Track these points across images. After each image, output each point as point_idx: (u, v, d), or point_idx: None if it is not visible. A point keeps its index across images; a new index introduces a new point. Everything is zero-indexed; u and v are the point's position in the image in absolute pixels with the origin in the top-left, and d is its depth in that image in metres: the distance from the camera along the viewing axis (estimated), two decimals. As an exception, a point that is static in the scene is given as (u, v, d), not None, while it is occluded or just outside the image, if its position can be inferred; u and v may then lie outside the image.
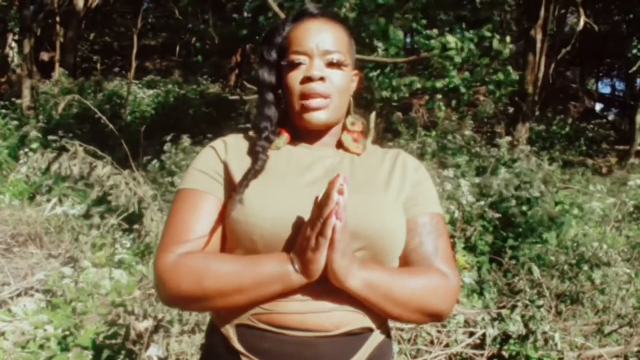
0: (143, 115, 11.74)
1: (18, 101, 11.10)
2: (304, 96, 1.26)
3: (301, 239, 1.12)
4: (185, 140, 6.33)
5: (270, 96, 1.32)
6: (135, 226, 4.77)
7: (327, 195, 1.08)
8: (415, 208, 1.28)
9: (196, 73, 16.32)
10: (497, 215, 4.85)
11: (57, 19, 15.74)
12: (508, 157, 6.21)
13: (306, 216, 1.14)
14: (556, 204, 5.22)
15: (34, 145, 8.00)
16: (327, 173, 1.26)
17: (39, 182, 6.86)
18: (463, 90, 6.35)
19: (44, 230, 5.31)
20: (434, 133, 6.57)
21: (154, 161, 6.28)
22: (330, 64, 1.28)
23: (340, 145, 1.36)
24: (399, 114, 9.74)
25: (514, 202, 4.96)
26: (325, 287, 1.13)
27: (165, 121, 10.77)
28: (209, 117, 11.70)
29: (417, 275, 1.20)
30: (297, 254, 1.12)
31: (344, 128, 1.37)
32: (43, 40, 17.64)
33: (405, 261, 1.25)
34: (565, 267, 4.37)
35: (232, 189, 1.23)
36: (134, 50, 13.65)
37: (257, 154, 1.26)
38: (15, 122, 9.83)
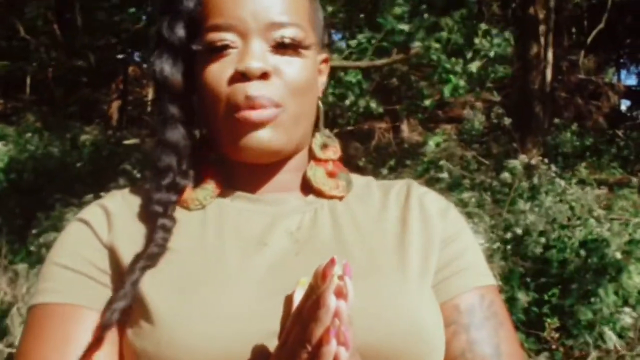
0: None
1: None
2: (236, 105, 1.04)
3: None
4: (59, 210, 6.21)
5: (174, 108, 1.09)
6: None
7: (314, 301, 0.86)
8: (454, 283, 1.10)
9: (61, 114, 16.11)
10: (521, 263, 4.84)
11: None
12: (526, 183, 6.26)
13: (269, 341, 0.94)
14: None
15: None
16: (295, 245, 1.07)
17: None
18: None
19: None
20: (424, 160, 6.53)
21: (15, 245, 6.12)
22: (280, 47, 1.06)
23: (307, 186, 1.16)
24: (357, 144, 9.80)
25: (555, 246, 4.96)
26: None
27: (24, 188, 10.52)
28: (89, 175, 11.50)
29: None
30: None
31: (311, 156, 1.18)
32: None
33: None
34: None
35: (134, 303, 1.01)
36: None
37: (154, 219, 1.06)
38: None
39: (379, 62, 6.34)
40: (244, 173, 1.13)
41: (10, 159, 12.26)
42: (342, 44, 6.71)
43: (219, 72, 1.06)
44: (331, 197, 1.15)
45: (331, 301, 0.83)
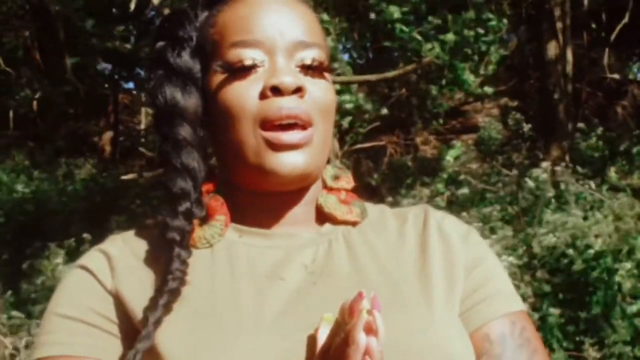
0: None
1: None
2: (266, 122, 1.04)
3: None
4: (55, 253, 6.19)
5: (186, 130, 1.09)
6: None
7: (342, 338, 0.86)
8: (482, 311, 1.10)
9: (49, 149, 16.07)
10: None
11: None
12: (553, 192, 6.26)
13: None
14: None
15: None
16: (312, 277, 1.06)
17: None
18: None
19: None
20: (443, 176, 6.54)
21: (8, 293, 6.11)
22: (306, 68, 1.08)
23: (319, 216, 1.16)
24: (368, 162, 9.81)
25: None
26: None
27: (16, 232, 10.51)
28: (85, 214, 11.46)
29: None
30: None
31: (323, 186, 1.19)
32: None
33: None
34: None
35: (135, 337, 1.00)
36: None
37: (170, 252, 1.04)
38: None
39: (390, 74, 6.39)
40: (257, 206, 1.12)
41: (-2, 201, 12.25)
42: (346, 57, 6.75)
43: (245, 90, 1.06)
44: (344, 223, 1.15)
45: (361, 338, 0.84)
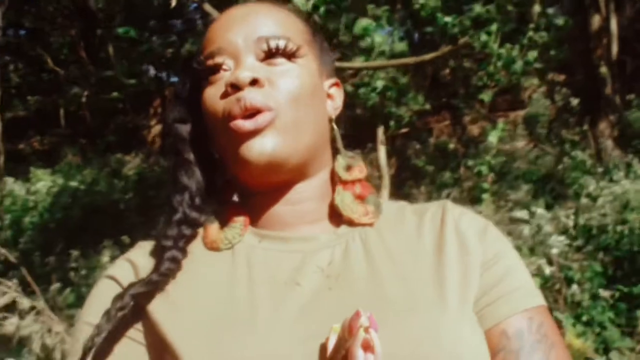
0: (32, 225, 11.65)
1: None
2: (230, 116, 1.09)
3: None
4: (108, 248, 6.29)
5: (190, 154, 1.18)
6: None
7: (342, 356, 0.91)
8: (499, 307, 1.09)
9: (99, 146, 16.26)
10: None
11: None
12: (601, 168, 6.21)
13: None
14: None
15: None
16: (328, 281, 1.07)
17: None
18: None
19: None
20: (487, 158, 6.50)
21: (66, 290, 6.20)
22: (270, 54, 1.12)
23: (336, 214, 1.18)
24: (415, 143, 9.79)
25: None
26: None
27: (70, 228, 10.67)
28: (137, 208, 11.56)
29: None
30: None
31: (335, 180, 1.21)
32: None
33: None
34: None
35: (159, 341, 1.05)
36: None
37: (162, 253, 1.10)
38: None
39: (427, 56, 6.36)
40: (268, 207, 1.16)
41: (53, 198, 12.44)
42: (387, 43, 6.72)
43: (213, 92, 1.12)
44: (361, 225, 1.16)
45: (359, 356, 0.89)
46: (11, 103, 19.79)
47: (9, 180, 12.95)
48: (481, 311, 1.09)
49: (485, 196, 5.83)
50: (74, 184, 12.79)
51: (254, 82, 1.08)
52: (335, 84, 1.26)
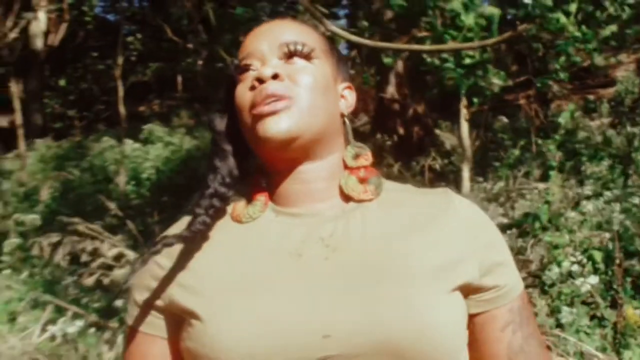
0: (149, 182, 11.99)
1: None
2: (254, 105, 1.23)
3: None
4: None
5: (226, 146, 1.31)
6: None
7: None
8: (510, 291, 1.26)
9: (212, 110, 16.45)
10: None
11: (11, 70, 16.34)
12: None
13: (301, 338, 1.10)
14: None
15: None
16: (326, 250, 1.19)
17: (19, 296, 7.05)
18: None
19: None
20: (556, 137, 6.47)
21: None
22: (290, 54, 1.26)
23: (343, 194, 1.28)
24: (503, 118, 9.69)
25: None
26: None
27: (182, 186, 10.90)
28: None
29: None
30: None
31: (345, 167, 1.31)
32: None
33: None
34: None
35: (184, 313, 1.20)
36: (120, 93, 14.05)
37: (194, 218, 1.25)
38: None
39: (502, 37, 6.31)
40: (283, 185, 1.27)
41: (167, 158, 12.75)
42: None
43: (243, 88, 1.26)
44: (361, 201, 1.26)
45: None
46: (133, 69, 20.37)
47: (129, 140, 13.36)
48: (494, 297, 1.24)
49: (552, 173, 5.83)
50: (187, 146, 13.11)
51: (275, 76, 1.22)
52: (349, 87, 1.37)
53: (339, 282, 1.13)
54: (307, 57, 1.27)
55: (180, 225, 1.30)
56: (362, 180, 1.28)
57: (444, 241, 1.20)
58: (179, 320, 1.22)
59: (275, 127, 1.19)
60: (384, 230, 1.21)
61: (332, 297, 1.11)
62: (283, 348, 1.09)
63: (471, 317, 1.23)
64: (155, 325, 1.26)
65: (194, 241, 1.23)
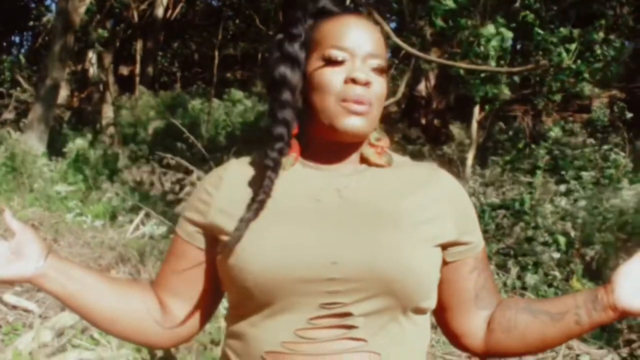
0: (225, 132, 12.06)
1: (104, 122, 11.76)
2: (346, 99, 1.17)
3: None
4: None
5: (289, 96, 1.20)
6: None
7: None
8: (478, 245, 1.28)
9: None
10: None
11: (137, 32, 16.52)
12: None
13: (310, 259, 1.11)
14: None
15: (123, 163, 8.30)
16: (339, 199, 1.19)
17: (122, 201, 7.16)
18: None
19: (127, 254, 5.53)
20: (546, 145, 6.43)
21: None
22: (373, 70, 1.20)
23: (362, 159, 1.26)
24: (501, 124, 9.59)
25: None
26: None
27: (253, 139, 10.83)
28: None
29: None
30: None
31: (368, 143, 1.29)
32: (122, 53, 18.57)
33: (465, 299, 1.27)
34: None
35: (220, 233, 1.21)
36: (216, 62, 14.08)
37: (266, 173, 1.18)
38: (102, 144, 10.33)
39: (523, 67, 6.20)
40: (322, 150, 1.23)
41: (241, 117, 12.79)
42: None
43: (335, 76, 1.17)
44: (376, 165, 1.25)
45: None
46: (227, 44, 20.41)
47: (215, 99, 13.42)
48: (466, 250, 1.25)
49: (538, 172, 5.84)
50: (259, 109, 13.13)
51: (367, 84, 1.18)
52: None
53: (347, 224, 1.15)
54: (382, 72, 1.23)
55: (230, 170, 1.27)
56: (379, 153, 1.27)
57: (430, 203, 1.21)
58: (215, 237, 1.22)
59: (357, 125, 1.17)
60: (384, 189, 1.22)
61: (342, 235, 1.13)
62: (299, 267, 1.11)
63: (449, 263, 1.25)
64: (194, 237, 1.26)
65: (275, 170, 1.19)
